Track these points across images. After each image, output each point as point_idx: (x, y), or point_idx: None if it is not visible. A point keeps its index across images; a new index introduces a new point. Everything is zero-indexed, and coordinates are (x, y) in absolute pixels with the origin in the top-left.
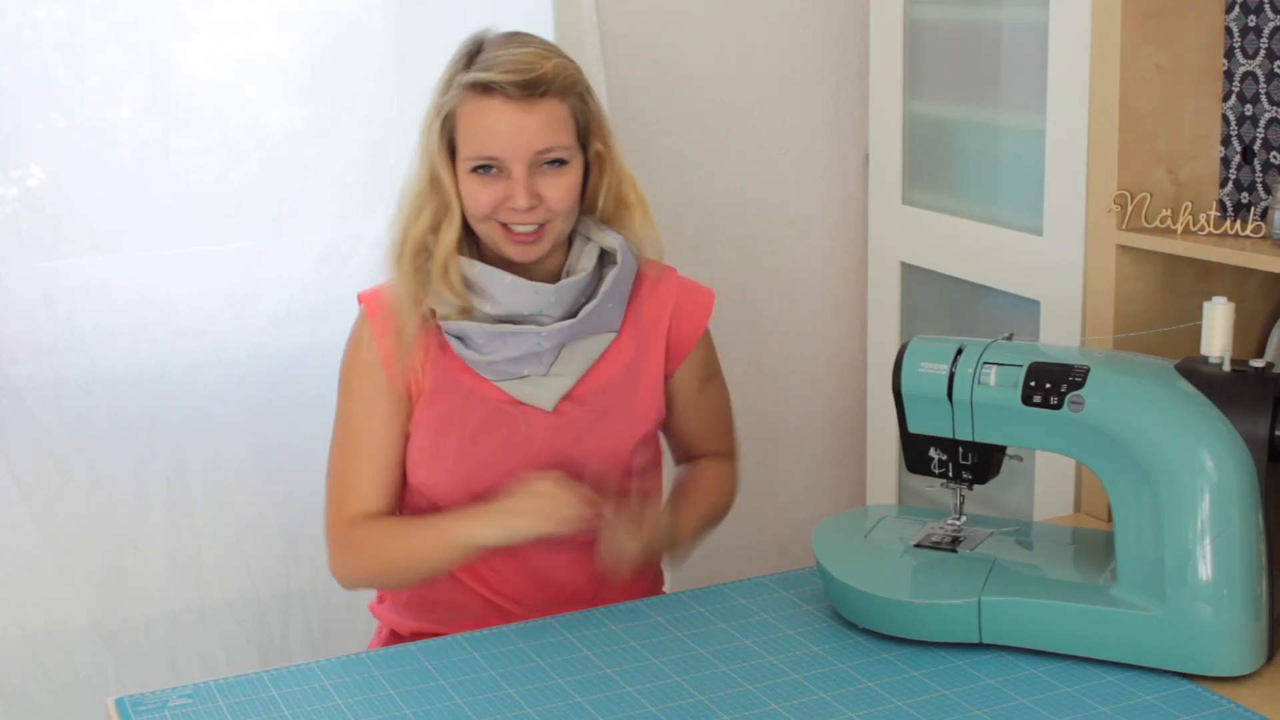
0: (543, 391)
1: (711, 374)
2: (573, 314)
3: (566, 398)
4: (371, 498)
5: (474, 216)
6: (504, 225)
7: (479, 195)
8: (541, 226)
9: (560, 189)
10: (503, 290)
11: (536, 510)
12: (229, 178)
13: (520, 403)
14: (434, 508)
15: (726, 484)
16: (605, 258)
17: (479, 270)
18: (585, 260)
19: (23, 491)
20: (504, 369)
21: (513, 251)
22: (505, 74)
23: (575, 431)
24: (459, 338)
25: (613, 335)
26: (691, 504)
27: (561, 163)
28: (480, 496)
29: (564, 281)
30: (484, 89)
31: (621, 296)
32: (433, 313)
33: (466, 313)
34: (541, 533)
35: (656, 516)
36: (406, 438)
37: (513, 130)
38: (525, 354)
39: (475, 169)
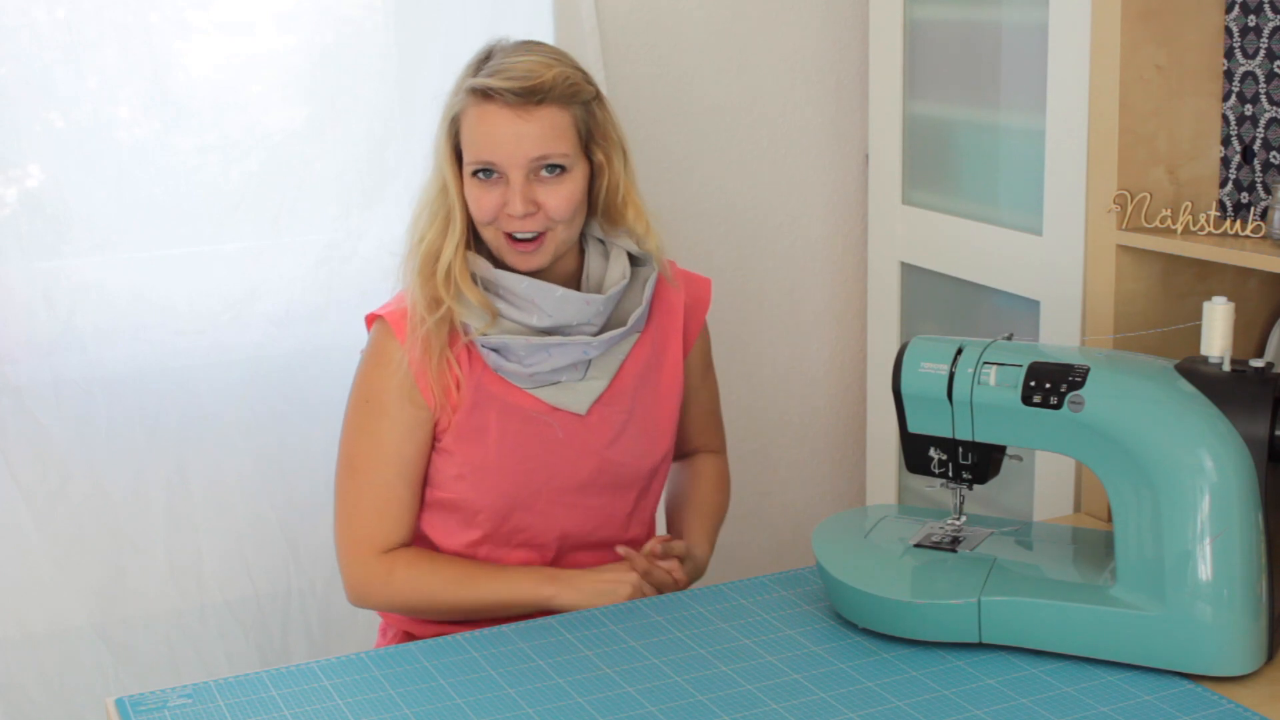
0: (576, 396)
1: (710, 363)
2: (610, 317)
3: (599, 400)
4: (407, 524)
5: (477, 222)
6: (505, 232)
7: (480, 200)
8: (541, 235)
9: (559, 197)
10: (553, 302)
11: (613, 596)
12: (229, 177)
13: (553, 409)
14: (470, 521)
15: (726, 482)
16: (633, 260)
17: (525, 283)
18: (618, 265)
19: (23, 492)
20: (541, 377)
21: (514, 260)
22: (505, 81)
23: (609, 433)
24: (495, 350)
25: (637, 335)
26: (709, 520)
27: (561, 170)
28: (520, 508)
29: (612, 291)
30: (485, 95)
31: (649, 298)
32: (465, 328)
33: (495, 316)
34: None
35: (692, 562)
36: (427, 456)
37: (509, 137)
38: (568, 363)
39: (476, 173)
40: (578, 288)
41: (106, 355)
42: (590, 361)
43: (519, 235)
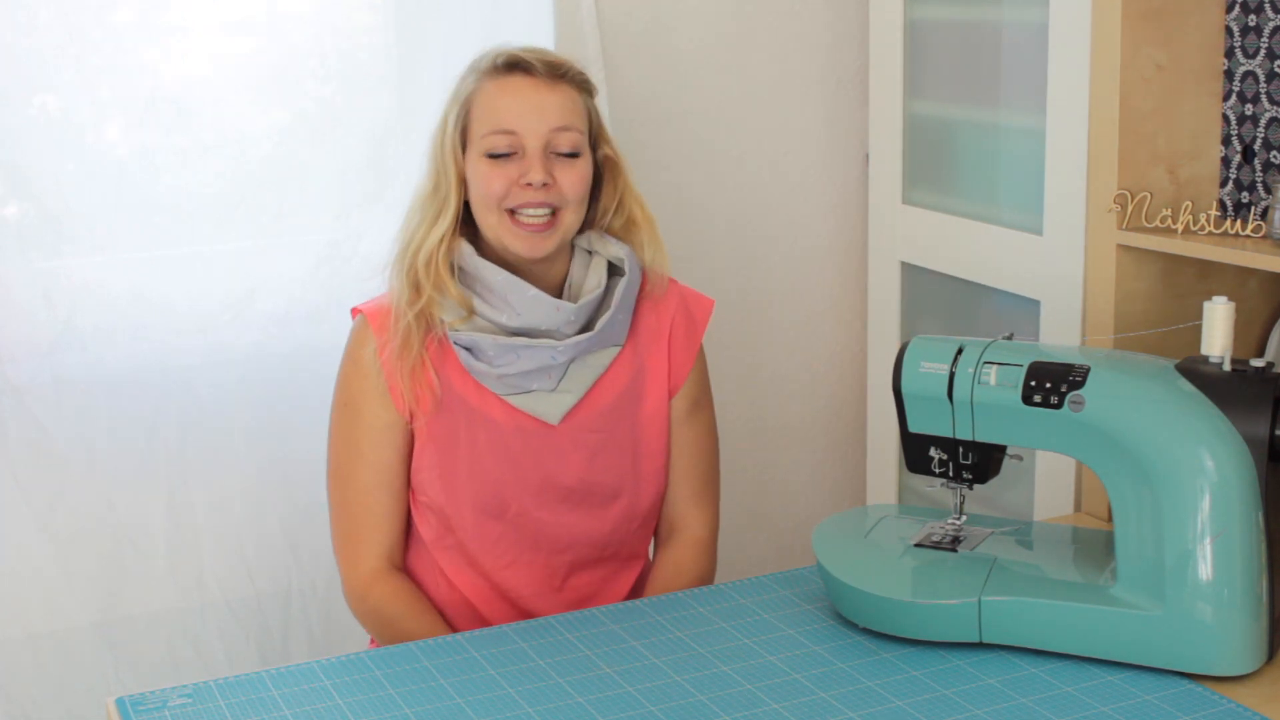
0: (550, 406)
1: (700, 398)
2: (584, 328)
3: (573, 414)
4: (390, 529)
5: (485, 204)
6: (513, 216)
7: (490, 179)
8: (552, 216)
9: (573, 175)
10: (524, 301)
11: None
12: (229, 178)
13: (526, 416)
14: (450, 525)
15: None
16: (611, 269)
17: (502, 277)
18: (595, 274)
19: (23, 491)
20: (513, 382)
21: (520, 245)
22: (530, 54)
23: (582, 449)
24: (468, 349)
25: (618, 349)
26: None
27: (574, 155)
28: (494, 517)
29: (584, 301)
30: (508, 68)
31: (629, 308)
32: (441, 322)
33: (471, 312)
34: None
35: None
36: (409, 458)
37: (532, 105)
38: (537, 368)
39: (489, 154)
40: (560, 296)
41: (106, 355)
42: (566, 372)
43: (530, 217)
